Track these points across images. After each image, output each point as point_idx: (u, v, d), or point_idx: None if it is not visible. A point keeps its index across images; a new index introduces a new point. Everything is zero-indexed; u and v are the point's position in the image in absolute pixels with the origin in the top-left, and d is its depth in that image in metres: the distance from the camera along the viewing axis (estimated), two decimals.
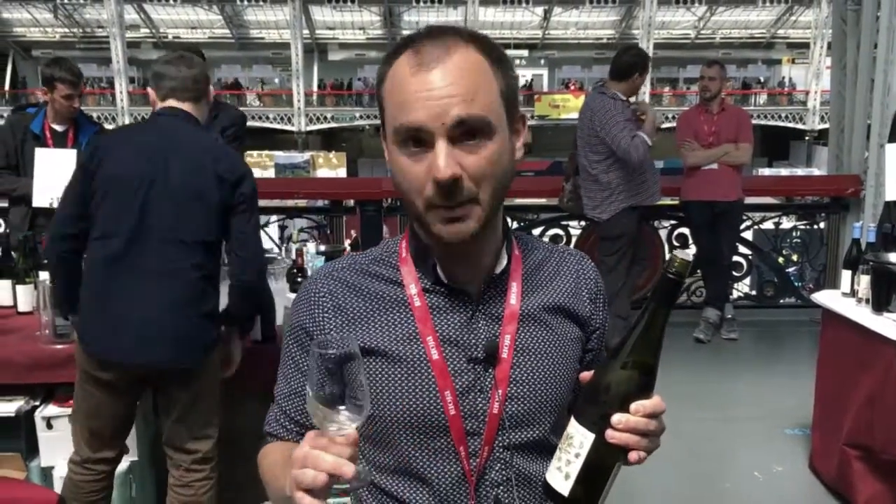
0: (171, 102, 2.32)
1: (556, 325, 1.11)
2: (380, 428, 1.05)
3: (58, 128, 3.63)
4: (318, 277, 1.11)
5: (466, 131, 0.95)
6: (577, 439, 0.93)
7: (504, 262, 1.09)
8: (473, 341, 1.05)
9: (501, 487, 1.06)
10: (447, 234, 0.98)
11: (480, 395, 1.05)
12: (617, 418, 0.92)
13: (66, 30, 29.00)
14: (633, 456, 0.93)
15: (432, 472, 1.05)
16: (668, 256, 0.95)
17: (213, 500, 2.46)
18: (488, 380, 1.05)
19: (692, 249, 5.16)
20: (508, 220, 1.28)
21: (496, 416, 1.05)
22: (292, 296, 2.50)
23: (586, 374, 0.99)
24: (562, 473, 0.94)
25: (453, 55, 0.96)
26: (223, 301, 2.41)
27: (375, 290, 1.07)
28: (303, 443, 0.88)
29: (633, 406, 0.92)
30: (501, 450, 1.06)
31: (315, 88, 29.10)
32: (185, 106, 2.33)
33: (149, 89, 2.40)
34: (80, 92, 3.47)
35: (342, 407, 0.86)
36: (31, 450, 2.61)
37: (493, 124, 0.97)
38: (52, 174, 3.33)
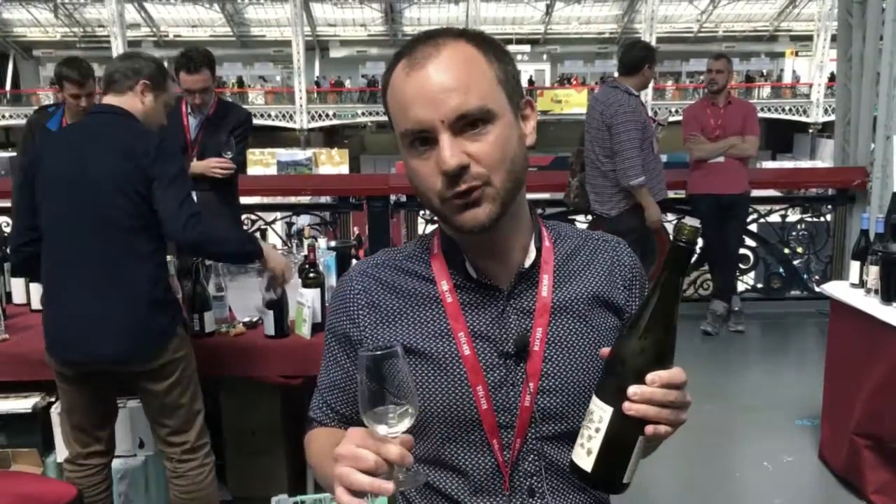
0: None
1: (591, 316, 1.10)
2: (416, 422, 1.07)
3: None
4: (354, 275, 1.13)
5: (468, 122, 0.97)
6: (597, 414, 0.93)
7: (532, 256, 1.09)
8: (504, 336, 1.06)
9: (534, 477, 1.07)
10: (465, 222, 0.99)
11: (512, 388, 1.05)
12: (633, 389, 0.90)
13: (67, 29, 28.97)
14: (648, 429, 0.90)
15: (468, 463, 1.06)
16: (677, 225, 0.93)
17: (214, 486, 2.44)
18: (519, 374, 1.06)
19: (699, 243, 5.15)
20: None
21: (528, 410, 1.05)
22: (304, 290, 2.52)
23: (606, 350, 0.98)
24: (584, 450, 0.93)
25: (443, 51, 0.98)
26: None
27: (408, 287, 1.09)
28: (346, 441, 0.90)
29: (650, 376, 0.91)
30: (534, 441, 1.07)
31: (315, 85, 29.06)
32: (108, 99, 2.34)
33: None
34: (91, 91, 3.46)
35: (390, 407, 0.88)
36: (48, 445, 2.64)
37: (494, 110, 0.98)
38: None
